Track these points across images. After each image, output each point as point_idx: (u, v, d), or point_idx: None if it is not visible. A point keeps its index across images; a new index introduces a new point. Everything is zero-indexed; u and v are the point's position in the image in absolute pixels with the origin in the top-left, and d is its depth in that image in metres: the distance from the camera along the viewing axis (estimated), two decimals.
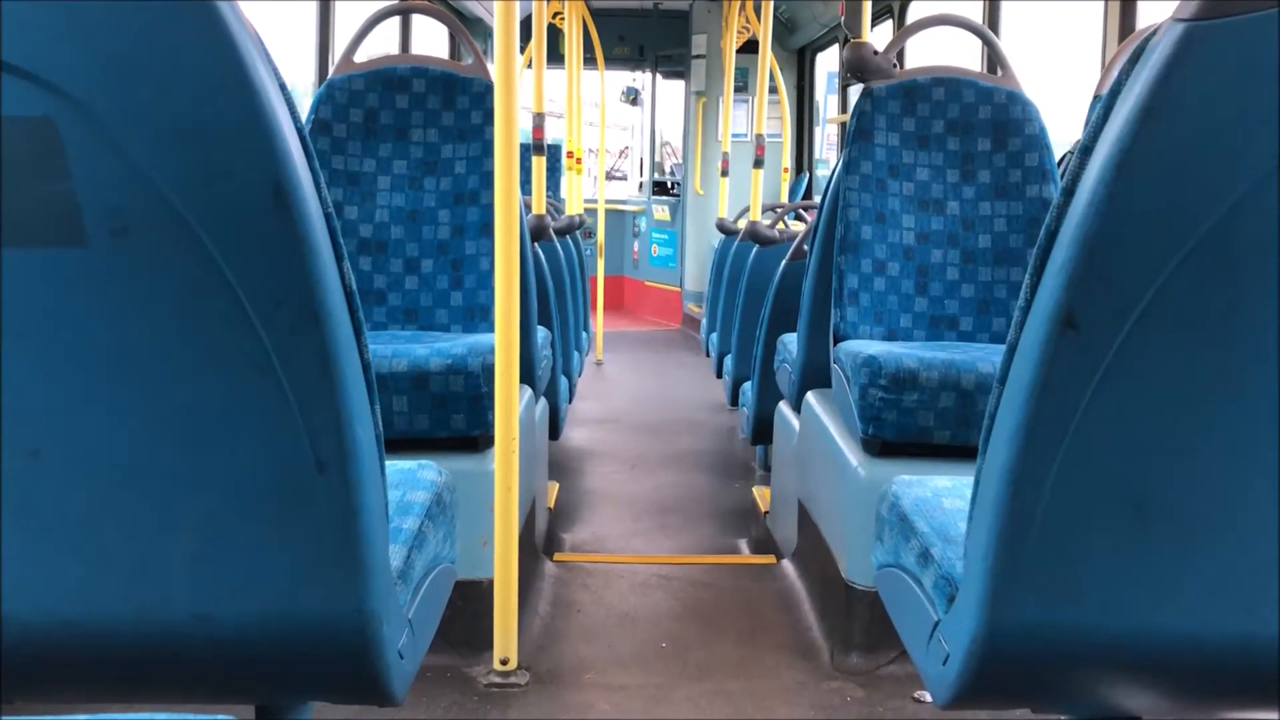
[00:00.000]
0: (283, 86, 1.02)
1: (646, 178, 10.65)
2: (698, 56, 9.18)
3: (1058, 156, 2.95)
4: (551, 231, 4.23)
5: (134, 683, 1.25)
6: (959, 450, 2.45)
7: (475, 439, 2.50)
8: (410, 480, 1.62)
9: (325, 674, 1.25)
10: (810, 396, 3.12)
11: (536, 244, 3.68)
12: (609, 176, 11.09)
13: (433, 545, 1.54)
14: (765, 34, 5.32)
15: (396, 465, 1.65)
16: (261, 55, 0.99)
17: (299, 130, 1.04)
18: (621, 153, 13.33)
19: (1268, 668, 1.25)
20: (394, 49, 6.53)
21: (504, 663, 2.37)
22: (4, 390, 1.07)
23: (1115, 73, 1.09)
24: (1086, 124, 1.12)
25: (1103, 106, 1.07)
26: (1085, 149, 1.09)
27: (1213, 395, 1.12)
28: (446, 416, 2.45)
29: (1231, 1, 0.98)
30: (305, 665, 1.24)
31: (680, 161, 10.26)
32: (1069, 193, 1.10)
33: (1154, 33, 1.04)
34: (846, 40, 3.09)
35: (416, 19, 6.64)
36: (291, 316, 1.06)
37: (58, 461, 1.11)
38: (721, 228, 6.20)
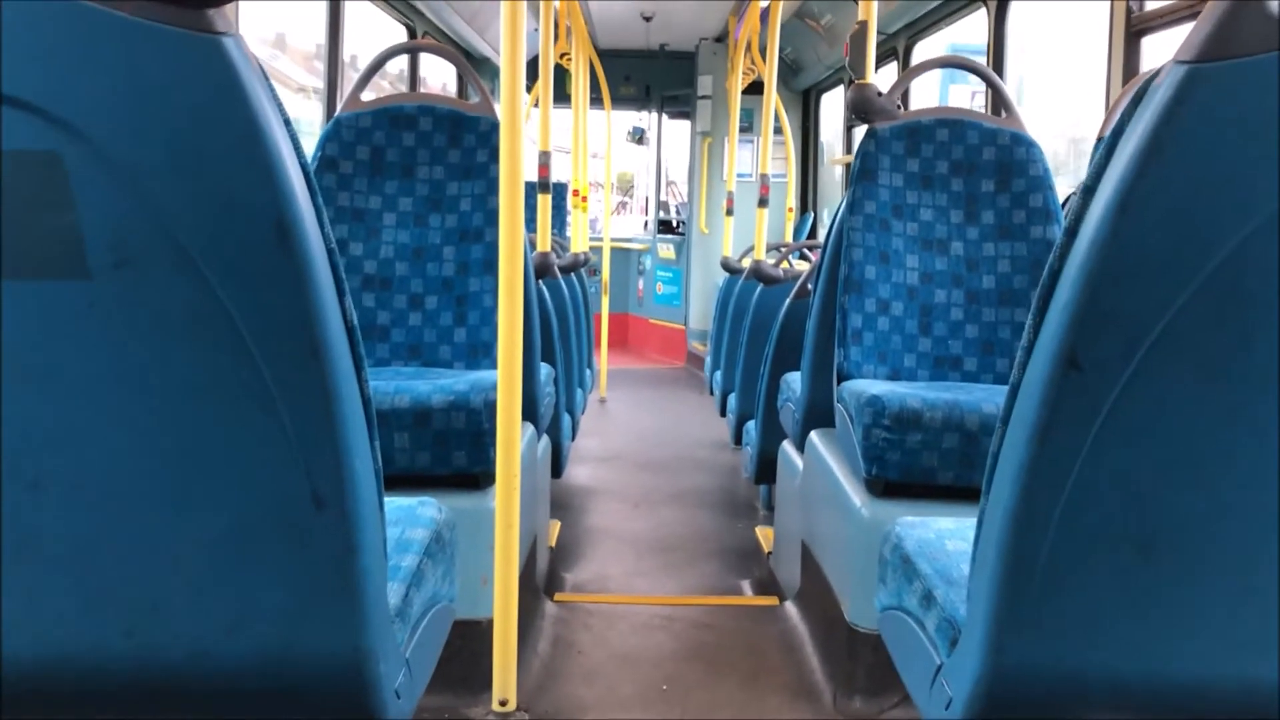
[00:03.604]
0: (287, 121, 1.03)
1: (652, 216, 10.69)
2: (703, 97, 9.25)
3: (1062, 198, 2.95)
4: (556, 269, 4.23)
5: (129, 718, 1.24)
6: (963, 491, 2.43)
7: (477, 476, 2.49)
8: (410, 517, 1.61)
9: (321, 712, 1.24)
10: (814, 436, 3.11)
11: (541, 281, 3.69)
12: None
13: (431, 583, 1.53)
14: (770, 75, 5.36)
15: (396, 502, 1.65)
16: (265, 90, 1.00)
17: (302, 165, 1.04)
18: (621, 205, 13.41)
19: (1276, 714, 1.23)
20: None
21: (503, 704, 2.34)
22: (4, 422, 1.06)
23: (1118, 115, 1.09)
24: (1090, 165, 1.12)
25: (1105, 146, 1.08)
26: (1088, 189, 1.09)
27: (1218, 435, 1.12)
28: (448, 453, 2.44)
29: (1234, 44, 0.98)
30: (301, 703, 1.22)
31: (685, 200, 10.31)
32: (1072, 232, 1.10)
33: (1156, 74, 1.04)
34: (851, 81, 3.10)
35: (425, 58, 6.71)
36: (292, 350, 1.06)
37: (57, 495, 1.10)
38: (726, 266, 6.21)
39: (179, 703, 1.21)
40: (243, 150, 0.99)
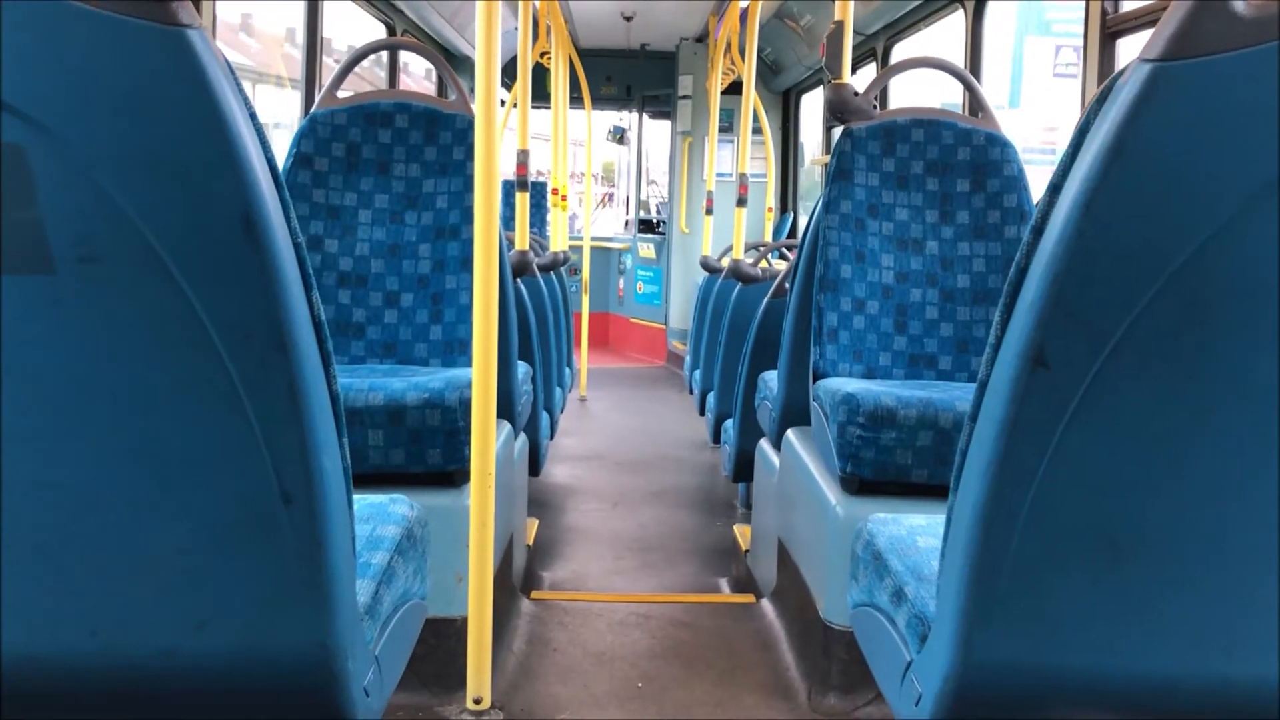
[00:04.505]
0: (253, 115, 1.02)
1: (632, 215, 10.70)
2: (684, 97, 9.26)
3: (1035, 198, 2.97)
4: (535, 267, 4.23)
5: (98, 717, 1.23)
6: (937, 489, 2.44)
7: (452, 474, 2.49)
8: (381, 514, 1.60)
9: (290, 709, 1.23)
10: (790, 434, 3.12)
11: (519, 279, 3.68)
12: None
13: (402, 580, 1.52)
14: (749, 76, 5.37)
15: (367, 499, 1.64)
16: (231, 84, 0.99)
17: (269, 160, 1.04)
18: (604, 199, 13.39)
19: (1246, 710, 1.24)
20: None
21: (477, 702, 2.34)
22: None
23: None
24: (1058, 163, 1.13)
25: (1071, 144, 1.08)
26: (1054, 187, 1.09)
27: (1185, 432, 1.12)
28: (423, 451, 2.43)
29: (1198, 42, 0.99)
30: (269, 700, 1.22)
31: (666, 200, 10.31)
32: (1039, 230, 1.10)
33: (1122, 73, 1.05)
34: (828, 81, 3.11)
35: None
36: (259, 347, 1.05)
37: (22, 492, 1.09)
38: (705, 265, 6.22)
39: (146, 702, 1.21)
40: (208, 144, 0.98)
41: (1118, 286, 1.06)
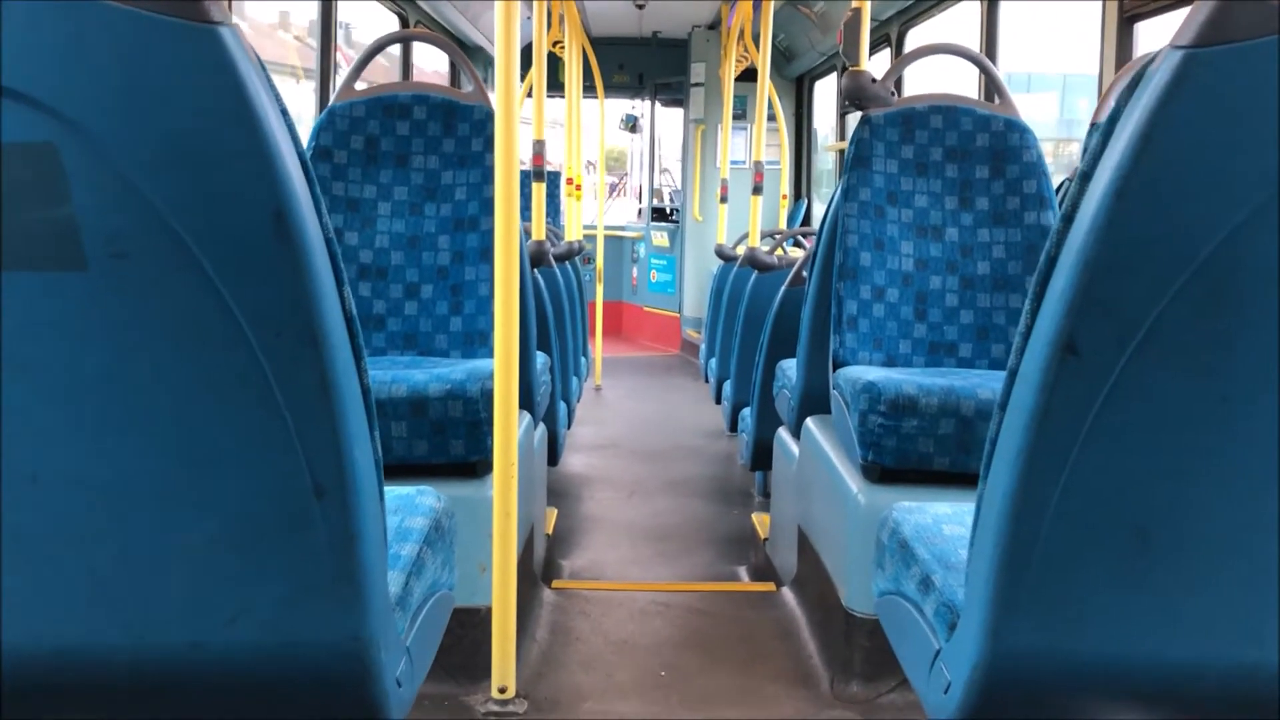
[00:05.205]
0: (284, 111, 1.02)
1: (645, 204, 10.69)
2: (696, 85, 9.23)
3: (1055, 183, 2.96)
4: (551, 257, 4.23)
5: (129, 711, 1.24)
6: (958, 477, 2.44)
7: (474, 465, 2.50)
8: (409, 506, 1.61)
9: (322, 702, 1.24)
10: (809, 422, 3.12)
11: (536, 270, 3.69)
12: None
13: (431, 571, 1.53)
14: (763, 62, 5.35)
15: (395, 491, 1.65)
16: (263, 80, 1.00)
17: (300, 155, 1.04)
18: (619, 184, 13.36)
19: (1272, 697, 1.24)
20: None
21: (502, 691, 2.35)
22: (3, 414, 1.06)
23: (1112, 101, 1.09)
24: (1084, 151, 1.12)
25: (1102, 133, 1.07)
26: (1084, 175, 1.09)
27: (1214, 421, 1.12)
28: (445, 442, 2.44)
29: (1230, 29, 0.98)
30: (302, 693, 1.23)
31: (679, 188, 10.30)
32: (1069, 219, 1.10)
33: (1152, 59, 1.04)
34: (845, 68, 3.10)
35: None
36: (291, 341, 1.06)
37: (56, 487, 1.10)
38: (720, 254, 6.21)
39: (179, 696, 1.22)
40: (240, 140, 0.99)
41: (1148, 274, 1.06)
